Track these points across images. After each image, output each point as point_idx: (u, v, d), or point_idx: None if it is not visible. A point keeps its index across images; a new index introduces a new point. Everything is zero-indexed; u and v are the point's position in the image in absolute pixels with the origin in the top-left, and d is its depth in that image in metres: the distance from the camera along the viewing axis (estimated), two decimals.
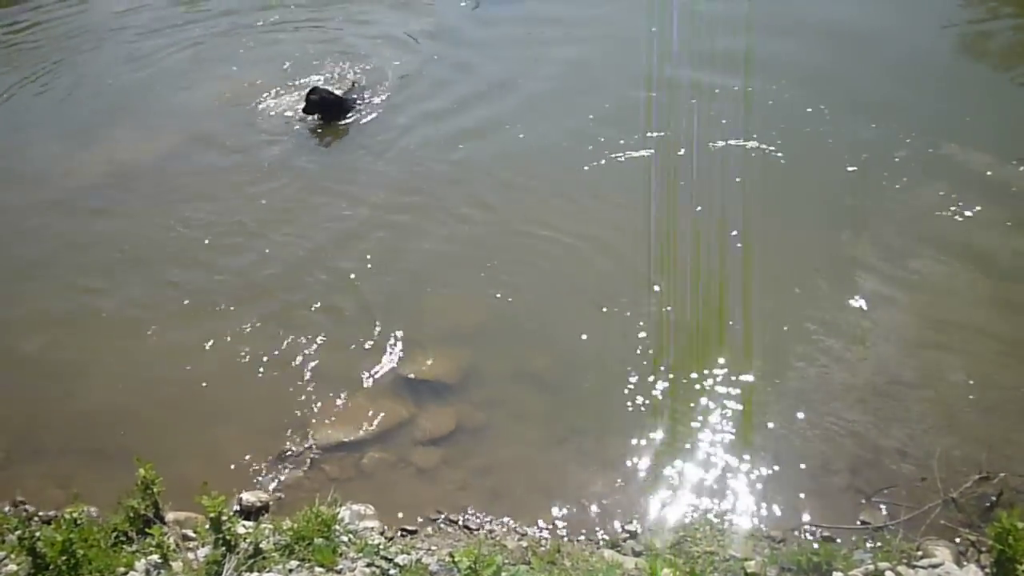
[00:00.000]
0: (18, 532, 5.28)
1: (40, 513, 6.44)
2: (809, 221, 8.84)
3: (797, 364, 7.19)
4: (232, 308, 8.46)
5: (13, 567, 5.37)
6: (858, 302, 7.71)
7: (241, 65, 14.07)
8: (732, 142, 10.06)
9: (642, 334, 7.64)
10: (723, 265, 8.26)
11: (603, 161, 10.06)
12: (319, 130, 11.74)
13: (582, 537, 6.01)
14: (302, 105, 11.85)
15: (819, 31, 12.54)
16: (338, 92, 12.05)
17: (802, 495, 6.19)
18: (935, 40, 12.32)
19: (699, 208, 9.03)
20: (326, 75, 13.29)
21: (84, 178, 11.16)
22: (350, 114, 11.92)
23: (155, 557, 5.31)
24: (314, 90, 11.74)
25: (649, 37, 12.96)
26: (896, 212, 8.75)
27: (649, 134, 10.36)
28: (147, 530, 5.53)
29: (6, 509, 6.49)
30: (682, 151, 10.06)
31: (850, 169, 9.44)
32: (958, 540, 5.60)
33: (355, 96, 12.34)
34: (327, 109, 11.73)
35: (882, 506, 6.01)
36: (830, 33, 12.43)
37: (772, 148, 9.86)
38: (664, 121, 10.67)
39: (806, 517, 6.00)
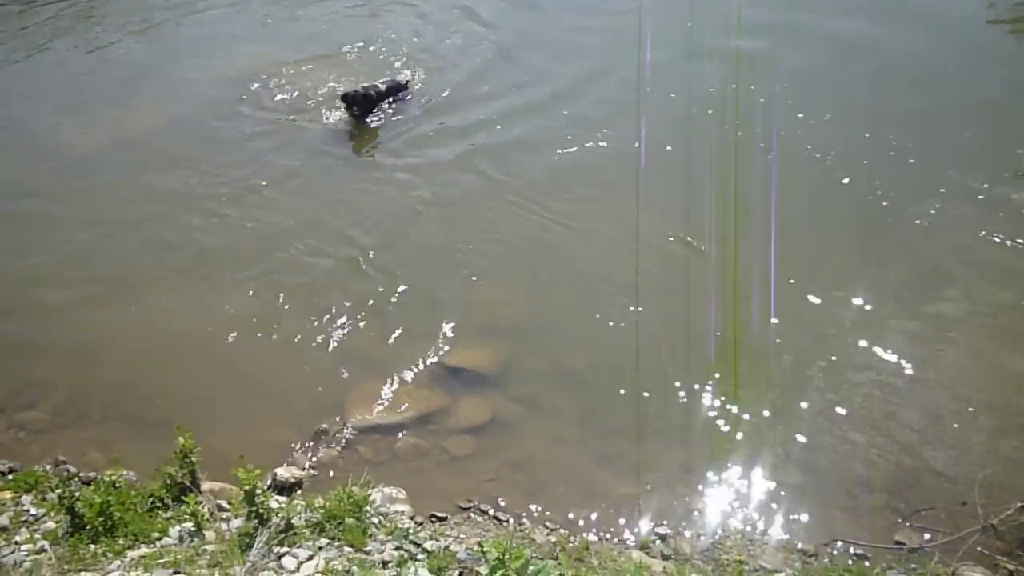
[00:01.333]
0: (58, 491, 5.41)
1: (80, 474, 6.57)
2: (848, 234, 8.73)
3: (840, 380, 7.09)
4: (272, 289, 8.55)
5: (52, 524, 5.50)
6: (904, 324, 7.57)
7: (259, 41, 14.13)
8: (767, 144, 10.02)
9: (681, 339, 7.59)
10: (766, 274, 8.15)
11: (650, 164, 10.00)
12: (345, 119, 11.67)
13: (611, 536, 6.00)
14: (315, 88, 11.88)
15: None
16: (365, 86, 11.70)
17: (837, 511, 6.11)
18: None
19: (745, 214, 8.95)
20: (345, 57, 13.36)
21: (82, 149, 11.33)
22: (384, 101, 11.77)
23: (189, 525, 5.40)
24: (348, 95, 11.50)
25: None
26: (935, 233, 8.58)
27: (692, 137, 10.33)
28: (183, 498, 5.61)
29: (47, 468, 6.63)
30: (727, 154, 10.00)
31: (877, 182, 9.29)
32: (995, 568, 5.48)
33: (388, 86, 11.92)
34: (358, 104, 11.48)
35: (918, 528, 5.90)
36: None
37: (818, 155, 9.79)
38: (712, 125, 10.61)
39: (839, 533, 5.90)
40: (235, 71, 13.05)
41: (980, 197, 8.90)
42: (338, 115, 11.66)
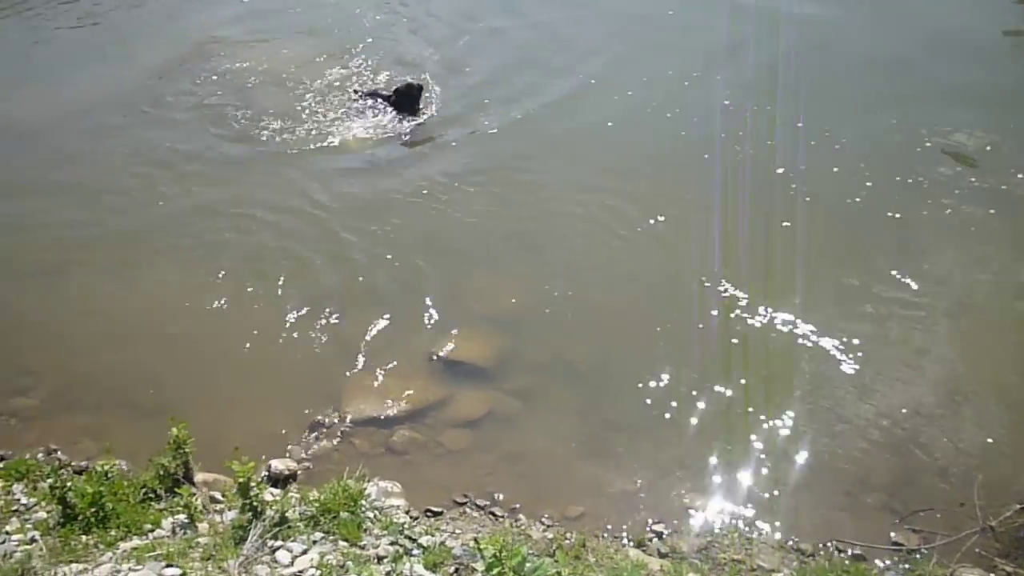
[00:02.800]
0: (50, 480, 5.35)
1: (72, 463, 6.49)
2: (857, 234, 8.70)
3: (840, 379, 7.04)
4: (268, 278, 8.42)
5: (43, 514, 5.43)
6: (906, 323, 7.53)
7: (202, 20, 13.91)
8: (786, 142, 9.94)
9: (685, 335, 7.54)
10: (770, 270, 8.11)
11: (662, 150, 10.08)
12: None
13: (608, 533, 5.95)
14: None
15: None
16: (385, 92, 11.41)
17: (835, 511, 6.08)
18: None
19: (752, 210, 8.93)
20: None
21: (28, 122, 11.18)
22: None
23: (182, 517, 5.35)
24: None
25: None
26: (939, 228, 8.60)
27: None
28: (176, 489, 5.55)
29: (39, 456, 6.56)
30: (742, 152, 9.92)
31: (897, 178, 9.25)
32: (994, 571, 5.45)
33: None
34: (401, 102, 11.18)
35: (917, 529, 5.87)
36: None
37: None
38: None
39: (837, 533, 5.86)
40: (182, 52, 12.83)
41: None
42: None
